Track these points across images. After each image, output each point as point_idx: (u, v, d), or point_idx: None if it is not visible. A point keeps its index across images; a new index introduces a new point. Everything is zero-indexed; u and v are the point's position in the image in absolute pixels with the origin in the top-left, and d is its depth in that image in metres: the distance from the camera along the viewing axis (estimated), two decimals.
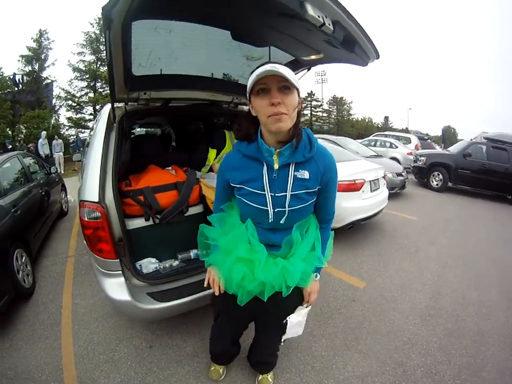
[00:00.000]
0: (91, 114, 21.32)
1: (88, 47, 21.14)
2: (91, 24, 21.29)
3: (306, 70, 2.53)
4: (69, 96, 20.98)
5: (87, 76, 21.19)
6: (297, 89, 1.19)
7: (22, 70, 20.09)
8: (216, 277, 1.53)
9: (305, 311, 1.57)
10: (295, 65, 2.45)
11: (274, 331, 1.77)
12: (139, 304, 1.97)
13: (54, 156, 14.37)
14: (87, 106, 21.62)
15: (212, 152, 3.06)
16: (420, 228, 5.47)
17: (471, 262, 4.04)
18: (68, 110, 21.25)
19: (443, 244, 4.71)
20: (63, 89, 20.99)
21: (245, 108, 2.57)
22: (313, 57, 2.20)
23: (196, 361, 2.30)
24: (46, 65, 20.78)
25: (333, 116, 44.63)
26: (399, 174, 7.50)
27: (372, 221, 5.12)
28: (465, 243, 4.78)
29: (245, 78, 1.80)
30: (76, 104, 21.17)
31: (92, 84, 21.48)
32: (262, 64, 1.14)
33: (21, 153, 5.24)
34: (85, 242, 2.12)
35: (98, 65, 21.27)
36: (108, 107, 2.30)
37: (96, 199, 1.93)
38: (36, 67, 20.44)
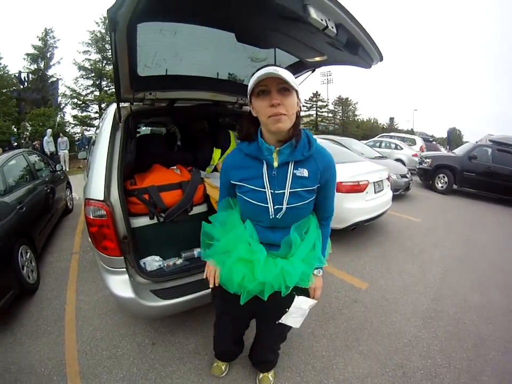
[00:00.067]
0: (96, 112, 21.45)
1: (93, 46, 21.26)
2: (96, 23, 21.47)
3: (310, 72, 2.54)
4: (74, 95, 21.11)
5: (92, 75, 21.31)
6: (296, 91, 1.22)
7: (27, 68, 20.25)
8: (213, 270, 1.56)
9: (312, 302, 1.57)
10: (300, 67, 2.46)
11: (275, 330, 1.79)
12: (142, 301, 1.99)
13: (59, 154, 14.45)
14: (92, 104, 21.77)
15: (217, 152, 3.08)
16: (423, 230, 5.46)
17: (474, 265, 4.03)
18: (73, 108, 21.45)
19: (447, 246, 4.69)
20: (69, 87, 21.18)
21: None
22: (317, 59, 2.20)
23: (198, 358, 2.33)
24: (51, 63, 20.93)
25: (338, 117, 44.54)
26: (403, 176, 7.47)
27: (375, 222, 5.11)
28: (469, 246, 4.76)
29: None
30: (81, 103, 21.30)
31: (97, 83, 21.60)
32: (263, 67, 1.18)
33: (26, 150, 5.29)
34: (89, 239, 2.14)
35: (103, 64, 21.38)
36: (113, 107, 2.32)
37: (102, 197, 1.95)
38: (42, 65, 20.58)
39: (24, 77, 19.95)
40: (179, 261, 2.45)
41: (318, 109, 42.48)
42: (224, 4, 1.46)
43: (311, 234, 1.44)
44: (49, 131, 14.79)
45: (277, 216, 1.34)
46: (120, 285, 2.03)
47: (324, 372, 2.22)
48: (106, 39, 20.51)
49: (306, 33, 1.64)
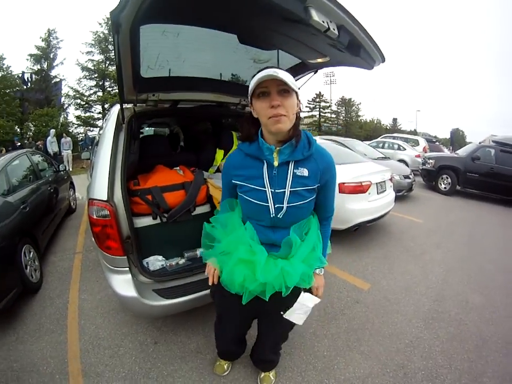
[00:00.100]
0: (100, 113, 21.53)
1: (96, 47, 21.35)
2: (99, 24, 21.56)
3: (313, 73, 2.55)
4: (77, 95, 21.21)
5: (95, 75, 21.39)
6: (296, 93, 1.25)
7: (30, 68, 20.40)
8: (212, 269, 1.60)
9: (316, 300, 1.58)
10: (302, 68, 2.47)
11: (276, 330, 1.82)
12: (145, 301, 2.01)
13: (62, 154, 14.50)
14: (95, 105, 21.85)
15: (220, 153, 3.10)
16: (426, 231, 5.45)
17: (476, 266, 4.02)
18: (76, 109, 21.54)
19: (449, 247, 4.68)
20: (72, 88, 21.28)
21: None
22: (319, 60, 2.21)
23: (200, 357, 2.34)
24: (54, 64, 21.10)
25: (341, 117, 44.61)
26: (406, 177, 7.46)
27: (378, 223, 5.10)
28: (471, 247, 4.75)
29: None
30: (84, 103, 21.39)
31: (100, 83, 21.68)
32: (263, 69, 1.21)
33: (29, 150, 5.31)
34: (93, 239, 2.16)
35: (106, 65, 21.46)
36: (117, 108, 2.34)
37: (105, 198, 1.97)
38: (45, 66, 20.72)
39: (28, 78, 20.09)
40: (182, 261, 2.47)
41: (321, 109, 42.55)
42: (226, 6, 1.47)
43: (312, 235, 1.45)
44: (52, 131, 14.84)
45: (278, 215, 1.36)
46: (123, 284, 2.05)
47: (325, 372, 2.23)
48: (109, 39, 20.54)
49: (308, 35, 1.64)
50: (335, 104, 44.43)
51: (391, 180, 5.27)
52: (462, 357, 2.40)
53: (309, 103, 42.20)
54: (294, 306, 1.53)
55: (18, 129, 18.28)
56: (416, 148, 13.30)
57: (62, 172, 5.96)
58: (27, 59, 20.39)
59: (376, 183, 4.68)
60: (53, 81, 21.21)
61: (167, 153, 3.10)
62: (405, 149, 12.58)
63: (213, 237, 1.58)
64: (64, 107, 21.48)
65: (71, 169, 13.11)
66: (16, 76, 19.51)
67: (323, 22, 1.37)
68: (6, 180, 3.53)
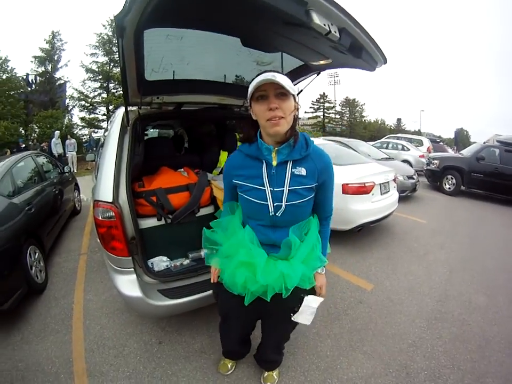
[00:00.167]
0: (104, 114, 21.58)
1: (101, 49, 21.36)
2: (103, 25, 21.55)
3: (316, 75, 2.56)
4: (82, 97, 21.22)
5: (100, 77, 21.41)
6: (293, 96, 1.29)
7: (35, 70, 20.46)
8: (215, 269, 1.64)
9: (319, 300, 1.61)
10: (305, 70, 2.49)
11: (279, 330, 1.84)
12: (150, 301, 2.03)
13: (67, 155, 14.58)
14: (100, 106, 21.85)
15: (223, 155, 3.12)
16: (429, 231, 5.43)
17: (479, 267, 4.01)
18: (81, 110, 21.54)
19: (452, 247, 4.67)
20: (76, 89, 21.27)
21: None
22: (322, 62, 2.22)
23: (204, 357, 2.36)
24: (59, 66, 21.14)
25: (345, 118, 44.48)
26: (410, 177, 7.44)
27: (381, 223, 5.09)
28: (475, 247, 4.74)
29: None
30: (89, 105, 21.41)
31: (104, 85, 21.70)
32: (261, 73, 1.25)
33: (34, 152, 5.36)
34: (98, 240, 2.19)
35: (111, 67, 21.47)
36: (121, 110, 2.37)
37: (110, 199, 2.00)
38: (49, 68, 20.78)
39: (32, 79, 20.19)
40: (186, 262, 2.49)
41: (325, 110, 42.46)
42: (228, 11, 1.49)
43: (311, 236, 1.47)
44: (57, 133, 14.91)
45: (277, 214, 1.39)
46: (128, 284, 2.07)
47: (328, 372, 2.24)
48: (114, 41, 20.58)
49: (309, 38, 1.66)
50: (339, 105, 44.38)
51: (394, 180, 5.27)
52: (465, 357, 2.40)
53: (313, 104, 42.20)
54: (300, 310, 1.57)
55: (22, 131, 18.31)
56: (420, 148, 13.23)
57: (66, 174, 6.01)
58: (31, 61, 20.50)
59: (380, 184, 4.68)
60: (57, 83, 21.28)
61: (171, 155, 3.12)
62: (409, 149, 12.53)
63: (213, 241, 1.62)
64: (69, 109, 21.52)
65: (75, 171, 13.15)
66: (20, 78, 19.58)
67: (324, 25, 1.39)
68: (11, 182, 3.56)
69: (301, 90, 2.82)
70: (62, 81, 21.54)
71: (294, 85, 2.62)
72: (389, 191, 4.97)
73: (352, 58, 1.83)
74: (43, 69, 20.64)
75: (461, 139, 41.46)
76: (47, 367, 2.29)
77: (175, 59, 2.14)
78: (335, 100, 43.73)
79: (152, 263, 2.38)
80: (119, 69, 2.03)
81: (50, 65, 20.78)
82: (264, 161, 1.39)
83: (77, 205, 6.32)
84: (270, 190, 1.37)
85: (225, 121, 3.92)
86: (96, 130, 20.47)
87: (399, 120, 53.06)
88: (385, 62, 1.97)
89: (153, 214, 2.36)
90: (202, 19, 1.70)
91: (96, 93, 21.85)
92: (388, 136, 16.96)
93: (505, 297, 3.28)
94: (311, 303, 1.57)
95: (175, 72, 2.24)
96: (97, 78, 21.51)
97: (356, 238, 4.76)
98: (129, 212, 2.09)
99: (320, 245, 1.52)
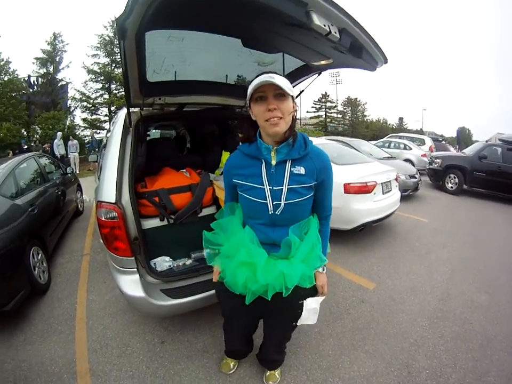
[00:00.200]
0: (106, 115, 21.58)
1: (102, 50, 21.37)
2: (105, 27, 21.57)
3: (317, 75, 2.57)
4: (84, 98, 21.23)
5: (101, 78, 21.42)
6: (292, 96, 1.31)
7: (36, 72, 20.46)
8: (217, 269, 1.66)
9: (320, 299, 1.65)
10: (306, 70, 2.49)
11: (281, 330, 1.86)
12: (153, 300, 2.04)
13: (69, 156, 14.61)
14: (102, 107, 21.85)
15: (226, 155, 3.13)
16: (431, 231, 5.43)
17: (481, 266, 4.00)
18: (83, 111, 21.53)
19: (454, 246, 4.67)
20: (78, 90, 21.29)
21: None
22: (322, 62, 2.23)
23: (206, 356, 2.37)
24: (60, 67, 21.10)
25: (347, 117, 44.45)
26: (412, 176, 7.44)
27: (383, 223, 5.10)
28: (477, 246, 4.73)
29: None
30: (90, 106, 21.42)
31: (106, 86, 21.70)
32: (260, 74, 1.27)
33: (37, 154, 5.39)
34: (101, 240, 2.20)
35: (112, 67, 21.49)
36: (124, 111, 2.38)
37: (113, 200, 2.01)
38: (51, 69, 20.75)
39: (34, 81, 20.20)
40: (188, 262, 2.51)
41: (327, 109, 42.43)
42: (228, 12, 1.50)
43: (311, 235, 1.49)
44: (59, 134, 14.93)
45: (276, 212, 1.41)
46: (131, 284, 2.09)
47: (330, 371, 2.25)
48: (115, 42, 20.58)
49: (310, 38, 1.66)
50: (341, 104, 44.35)
51: (396, 179, 5.27)
52: (466, 356, 2.40)
53: (315, 103, 42.20)
54: (302, 315, 1.61)
55: (25, 132, 18.31)
56: (422, 147, 13.23)
57: (69, 174, 6.03)
58: (33, 62, 20.50)
59: (382, 183, 4.68)
60: (59, 84, 21.30)
61: (173, 155, 3.14)
62: (411, 149, 12.53)
63: (214, 242, 1.64)
64: (71, 110, 21.56)
65: (78, 172, 13.19)
66: (22, 80, 19.55)
67: (324, 25, 1.39)
68: (14, 183, 3.58)
69: (302, 90, 2.83)
70: (63, 83, 21.58)
71: (296, 85, 2.66)
72: (390, 190, 4.97)
73: (353, 58, 1.84)
74: (45, 70, 20.64)
75: (463, 138, 41.41)
76: (50, 367, 2.31)
77: (177, 60, 2.15)
78: (337, 99, 43.79)
79: (155, 263, 2.39)
80: (121, 70, 2.04)
81: (52, 67, 20.78)
82: (263, 161, 1.41)
83: (79, 206, 6.34)
84: (269, 188, 1.39)
85: (227, 121, 3.93)
86: (98, 131, 20.53)
87: (401, 119, 53.03)
88: (385, 61, 1.98)
89: (156, 215, 2.38)
90: (202, 21, 1.71)
91: (98, 94, 21.87)
92: (390, 135, 16.96)
93: (507, 296, 3.28)
94: (312, 304, 1.61)
95: (176, 73, 2.25)
96: (99, 79, 21.53)
97: (357, 238, 4.77)
98: (132, 213, 2.10)
99: (320, 244, 1.53)
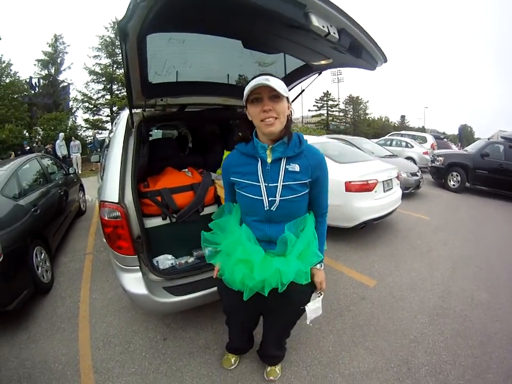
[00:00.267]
0: (108, 115, 21.65)
1: (103, 51, 21.41)
2: (106, 28, 21.62)
3: (317, 74, 2.59)
4: (85, 99, 21.29)
5: (103, 79, 21.46)
6: (287, 98, 1.36)
7: (38, 73, 20.53)
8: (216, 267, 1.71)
9: (319, 298, 1.69)
10: (306, 70, 2.52)
11: (278, 327, 1.91)
12: (155, 298, 2.07)
13: (71, 157, 14.68)
14: (104, 108, 21.90)
15: (227, 154, 3.15)
16: (433, 228, 5.43)
17: (482, 264, 4.01)
18: (84, 112, 21.60)
19: (456, 244, 4.67)
20: (80, 91, 21.36)
21: None
22: (323, 62, 2.25)
23: (208, 353, 2.40)
24: (62, 68, 21.21)
25: (349, 115, 44.27)
26: (413, 174, 7.45)
27: (385, 220, 5.12)
28: (478, 244, 4.73)
29: None
30: (92, 106, 21.48)
31: (108, 86, 21.75)
32: (256, 76, 1.32)
33: (39, 154, 5.42)
34: (104, 239, 2.23)
35: (114, 68, 21.53)
36: (126, 112, 2.41)
37: (116, 200, 2.04)
38: (52, 71, 20.83)
39: (35, 82, 20.27)
40: (191, 259, 2.54)
41: (328, 108, 42.31)
42: (228, 14, 1.52)
43: (307, 232, 1.52)
44: (61, 135, 14.99)
45: (272, 209, 1.45)
46: (134, 282, 2.12)
47: (330, 367, 2.27)
48: (116, 43, 20.59)
49: (309, 39, 1.68)
50: (343, 103, 44.15)
51: (397, 177, 5.28)
52: (466, 353, 2.41)
53: (317, 102, 42.05)
54: (308, 316, 1.67)
55: (27, 134, 18.38)
56: (424, 145, 13.17)
57: (71, 175, 6.07)
58: (34, 64, 20.58)
59: (383, 181, 4.70)
60: (60, 86, 21.37)
61: (175, 155, 3.17)
62: (413, 146, 12.48)
63: (212, 241, 1.69)
64: (73, 111, 21.63)
65: (80, 172, 13.22)
66: (24, 81, 19.62)
67: (323, 26, 1.42)
68: (17, 184, 3.62)
69: (303, 90, 2.85)
70: (65, 84, 21.66)
71: (296, 84, 2.68)
72: (392, 188, 4.98)
73: (353, 58, 1.86)
74: (46, 71, 20.71)
75: (465, 135, 41.27)
76: (54, 365, 2.34)
77: (178, 62, 2.18)
78: (339, 98, 43.56)
79: (157, 261, 2.42)
80: (122, 71, 2.07)
81: (54, 68, 20.85)
82: (259, 159, 1.46)
83: (82, 206, 6.38)
84: (265, 185, 1.44)
85: (228, 121, 3.96)
86: (100, 131, 20.59)
87: (403, 117, 52.97)
88: (385, 61, 2.00)
89: (158, 214, 2.40)
90: (202, 24, 1.74)
91: (99, 95, 21.92)
92: (392, 133, 16.91)
93: (508, 293, 3.28)
94: (313, 306, 1.67)
95: (178, 74, 2.28)
96: (101, 80, 21.57)
97: (359, 235, 4.78)
98: (135, 212, 2.13)
99: (316, 241, 1.57)
